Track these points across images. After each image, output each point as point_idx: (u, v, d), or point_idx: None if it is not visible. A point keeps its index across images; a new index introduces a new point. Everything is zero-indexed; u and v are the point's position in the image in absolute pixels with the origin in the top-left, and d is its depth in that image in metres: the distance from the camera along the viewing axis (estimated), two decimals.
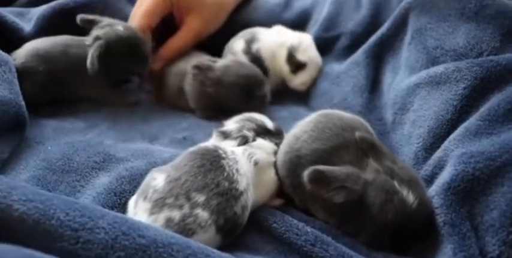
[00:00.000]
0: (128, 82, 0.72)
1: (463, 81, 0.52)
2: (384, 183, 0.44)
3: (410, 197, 0.44)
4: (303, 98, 0.69)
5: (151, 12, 0.68)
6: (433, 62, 0.57)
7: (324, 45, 0.70)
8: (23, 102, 0.58)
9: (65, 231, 0.41)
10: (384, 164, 0.46)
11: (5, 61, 0.60)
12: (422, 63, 0.59)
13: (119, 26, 0.64)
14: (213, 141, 0.52)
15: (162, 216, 0.44)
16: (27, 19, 0.69)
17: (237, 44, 0.71)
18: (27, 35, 0.67)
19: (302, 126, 0.52)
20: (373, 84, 0.64)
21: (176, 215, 0.44)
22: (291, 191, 0.52)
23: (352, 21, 0.70)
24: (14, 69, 0.61)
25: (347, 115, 0.52)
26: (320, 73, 0.69)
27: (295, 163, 0.50)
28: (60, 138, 0.59)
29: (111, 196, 0.50)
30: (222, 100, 0.63)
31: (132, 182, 0.51)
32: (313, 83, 0.69)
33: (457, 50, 0.56)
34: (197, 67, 0.63)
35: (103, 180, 0.52)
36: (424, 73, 0.57)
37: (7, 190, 0.45)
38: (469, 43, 0.55)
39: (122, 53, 0.63)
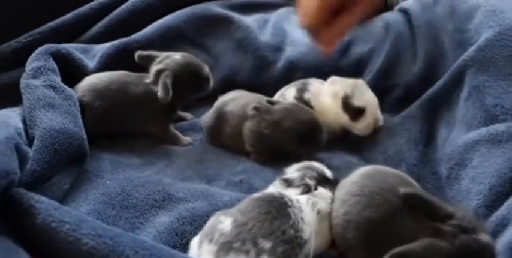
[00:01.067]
0: (183, 120, 0.73)
1: None
2: (467, 244, 0.43)
3: (487, 238, 0.44)
4: (355, 146, 0.69)
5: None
6: (492, 119, 0.58)
7: (378, 95, 0.71)
8: (85, 136, 0.60)
9: None
10: (447, 220, 0.45)
11: (70, 95, 0.62)
12: (480, 120, 0.59)
13: (176, 55, 0.67)
14: (276, 189, 0.52)
15: None
16: (90, 56, 0.71)
17: (288, 92, 0.72)
18: (90, 72, 0.69)
19: (347, 188, 0.51)
20: (428, 138, 0.65)
21: None
22: (343, 249, 0.51)
23: (408, 73, 0.71)
24: (77, 103, 0.63)
25: (390, 173, 0.52)
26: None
27: (344, 227, 0.50)
28: (119, 173, 0.60)
29: (173, 236, 0.50)
30: (278, 142, 0.64)
31: (194, 223, 0.51)
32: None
33: None
34: (256, 108, 0.64)
35: (163, 219, 0.52)
36: (483, 130, 0.57)
37: (76, 223, 0.45)
38: None
39: (185, 80, 0.66)
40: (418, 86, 0.70)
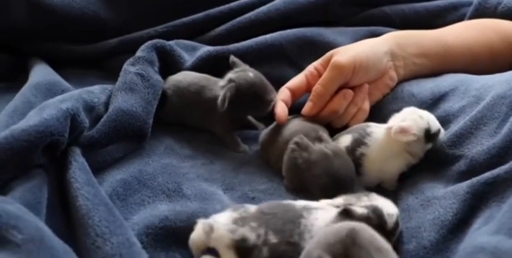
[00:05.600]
0: (255, 128, 0.79)
1: None
2: None
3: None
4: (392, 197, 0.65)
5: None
6: None
7: (442, 163, 0.65)
8: (150, 121, 0.71)
9: None
10: None
11: (153, 85, 0.74)
12: (510, 227, 0.50)
13: (250, 72, 0.72)
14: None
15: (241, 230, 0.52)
16: (194, 54, 0.82)
17: (344, 139, 0.70)
18: (185, 69, 0.80)
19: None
20: (459, 224, 0.57)
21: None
22: None
23: (480, 146, 0.62)
24: (157, 92, 0.74)
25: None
26: (415, 187, 0.65)
27: None
28: (164, 158, 0.70)
29: (154, 222, 0.58)
30: (308, 180, 0.65)
31: (177, 220, 0.58)
32: (400, 196, 0.66)
33: None
34: (297, 143, 0.66)
35: (162, 207, 0.61)
36: (497, 239, 0.49)
37: (86, 188, 0.58)
38: None
39: (246, 98, 0.71)
40: (484, 164, 0.61)
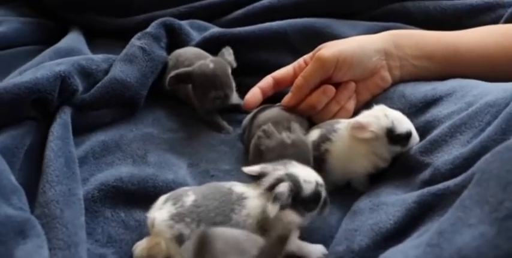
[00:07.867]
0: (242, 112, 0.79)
1: None
2: None
3: None
4: (344, 201, 0.65)
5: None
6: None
7: (411, 169, 0.63)
8: (143, 92, 0.77)
9: None
10: None
11: (153, 59, 0.79)
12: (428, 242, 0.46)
13: (211, 64, 0.74)
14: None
15: (177, 227, 0.55)
16: (202, 35, 0.86)
17: (313, 133, 0.69)
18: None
19: None
20: (397, 233, 0.54)
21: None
22: None
23: (448, 155, 0.58)
24: (157, 67, 0.79)
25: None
26: (376, 191, 0.63)
27: None
28: (148, 128, 0.76)
29: (109, 181, 0.63)
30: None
31: (128, 183, 0.63)
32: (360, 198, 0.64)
33: None
34: (264, 131, 0.67)
35: (123, 168, 0.66)
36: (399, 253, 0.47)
37: (57, 140, 0.65)
38: None
39: (197, 87, 0.75)
40: (446, 174, 0.57)
